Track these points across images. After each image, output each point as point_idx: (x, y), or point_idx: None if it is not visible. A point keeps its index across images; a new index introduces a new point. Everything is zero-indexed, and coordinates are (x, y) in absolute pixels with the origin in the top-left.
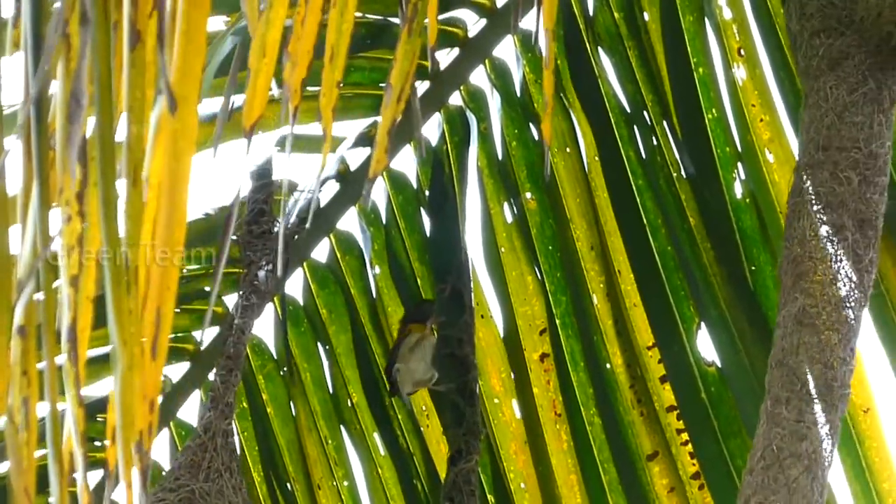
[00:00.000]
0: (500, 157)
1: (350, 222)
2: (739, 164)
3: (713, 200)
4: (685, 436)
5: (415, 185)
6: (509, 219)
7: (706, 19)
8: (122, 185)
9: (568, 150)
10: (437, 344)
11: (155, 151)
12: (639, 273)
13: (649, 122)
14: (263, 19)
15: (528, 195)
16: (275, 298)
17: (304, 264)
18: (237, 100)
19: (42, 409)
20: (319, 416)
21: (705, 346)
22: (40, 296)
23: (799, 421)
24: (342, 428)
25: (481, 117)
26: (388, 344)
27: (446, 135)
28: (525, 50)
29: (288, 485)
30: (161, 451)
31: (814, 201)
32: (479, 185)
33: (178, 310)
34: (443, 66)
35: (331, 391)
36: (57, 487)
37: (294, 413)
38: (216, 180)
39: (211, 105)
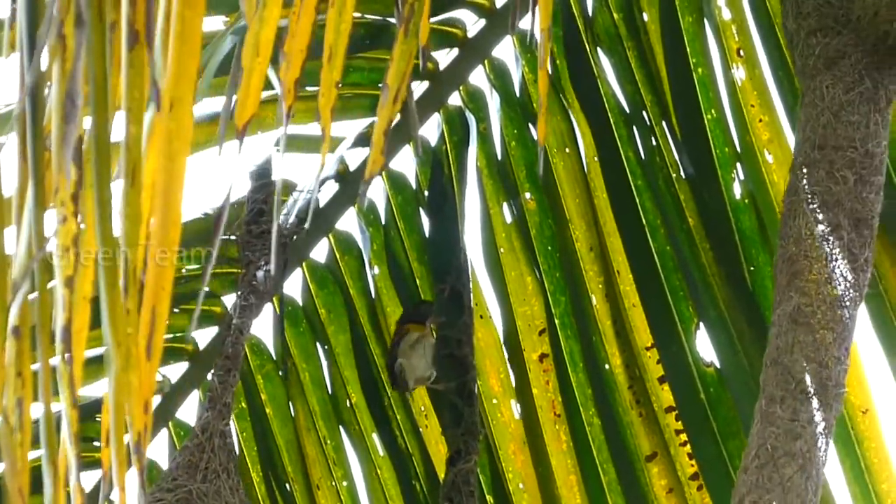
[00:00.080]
0: (499, 157)
1: (349, 222)
2: (738, 165)
3: (712, 201)
4: (684, 436)
5: (414, 186)
6: (508, 219)
7: (705, 20)
8: (117, 186)
9: (567, 150)
10: (437, 344)
11: (149, 152)
12: (638, 273)
13: (648, 123)
14: (257, 17)
15: (528, 195)
16: (274, 298)
17: (303, 264)
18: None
19: (40, 410)
20: (318, 416)
21: (704, 346)
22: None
23: (793, 420)
24: (341, 428)
25: (480, 117)
26: (386, 344)
27: (445, 135)
28: (524, 50)
29: (287, 485)
30: (160, 450)
31: (809, 200)
32: (478, 186)
33: (176, 310)
34: (442, 66)
35: (330, 391)
36: (51, 489)
37: (293, 413)
38: (216, 180)
39: (213, 104)
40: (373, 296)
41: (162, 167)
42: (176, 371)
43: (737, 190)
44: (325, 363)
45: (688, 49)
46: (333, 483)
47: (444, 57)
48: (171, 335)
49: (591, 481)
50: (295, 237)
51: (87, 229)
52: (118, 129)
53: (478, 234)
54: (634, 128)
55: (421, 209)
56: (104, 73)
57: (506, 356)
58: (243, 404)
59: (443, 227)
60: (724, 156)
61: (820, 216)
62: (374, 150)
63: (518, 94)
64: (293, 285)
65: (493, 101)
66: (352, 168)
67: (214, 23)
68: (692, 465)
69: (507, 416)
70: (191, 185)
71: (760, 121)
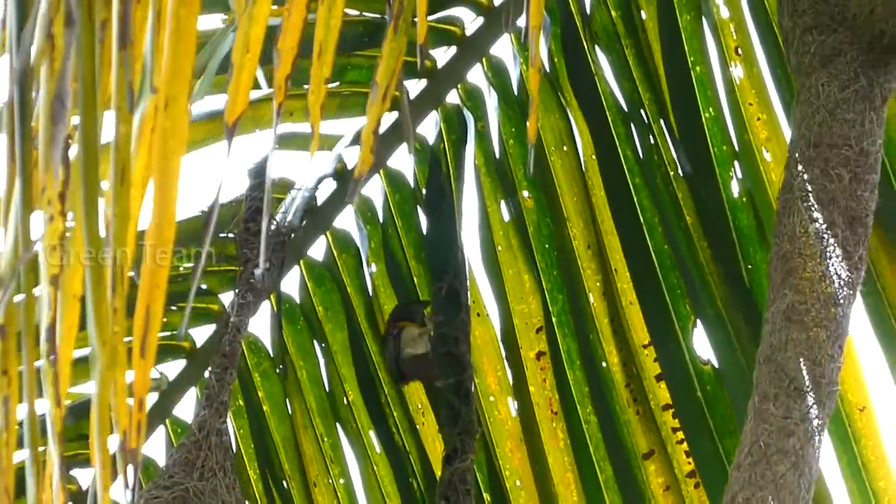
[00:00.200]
0: (497, 155)
1: (347, 220)
2: (736, 163)
3: (710, 199)
4: (681, 434)
5: (412, 184)
6: (506, 217)
7: (703, 18)
8: (106, 186)
9: (565, 148)
10: (434, 341)
11: (139, 150)
12: (635, 271)
13: (646, 121)
14: (247, 15)
15: (525, 193)
16: (271, 296)
17: (301, 262)
18: None
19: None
20: (315, 413)
21: (701, 344)
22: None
23: (786, 417)
24: (338, 425)
25: (478, 116)
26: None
27: (443, 133)
28: (522, 48)
29: (284, 482)
30: (157, 448)
31: (804, 198)
32: (476, 184)
33: (173, 307)
34: (440, 64)
35: (327, 389)
36: (34, 488)
37: (290, 411)
38: (214, 177)
39: (217, 102)
40: (370, 294)
41: (157, 166)
42: (173, 368)
43: (734, 188)
44: (322, 361)
45: (686, 47)
46: (330, 480)
47: (442, 55)
48: (167, 332)
49: (588, 479)
50: (293, 235)
51: (76, 228)
52: (107, 129)
53: (475, 232)
54: (632, 126)
55: (419, 207)
56: (93, 72)
57: (503, 354)
58: (240, 402)
59: (440, 225)
60: (721, 154)
61: (815, 214)
62: (364, 148)
63: (516, 92)
64: (291, 283)
65: (491, 99)
66: (350, 166)
67: (214, 22)
68: (689, 463)
69: (504, 413)
70: (187, 182)
71: (758, 119)
